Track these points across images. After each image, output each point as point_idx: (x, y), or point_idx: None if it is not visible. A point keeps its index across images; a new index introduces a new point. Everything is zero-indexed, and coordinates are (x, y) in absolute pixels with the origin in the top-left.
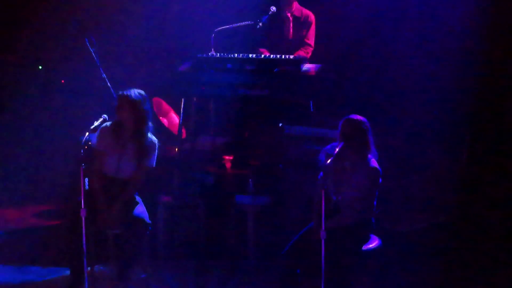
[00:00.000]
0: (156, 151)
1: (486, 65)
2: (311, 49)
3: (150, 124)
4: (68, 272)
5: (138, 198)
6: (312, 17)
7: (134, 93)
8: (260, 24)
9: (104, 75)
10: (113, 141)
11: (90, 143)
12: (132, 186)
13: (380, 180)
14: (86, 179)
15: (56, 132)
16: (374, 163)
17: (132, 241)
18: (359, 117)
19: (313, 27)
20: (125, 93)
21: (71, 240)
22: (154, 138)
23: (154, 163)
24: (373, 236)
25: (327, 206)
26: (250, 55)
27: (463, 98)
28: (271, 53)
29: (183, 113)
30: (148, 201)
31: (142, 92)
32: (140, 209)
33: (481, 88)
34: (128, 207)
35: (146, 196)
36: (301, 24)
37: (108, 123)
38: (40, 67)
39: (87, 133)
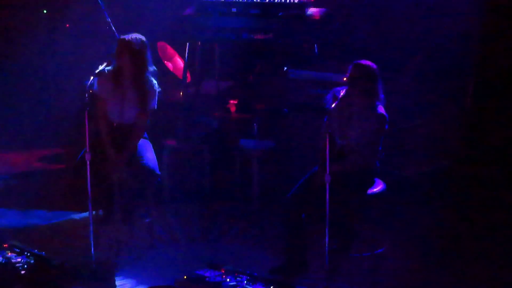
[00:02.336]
0: (157, 94)
1: (492, 10)
2: None
3: (151, 68)
4: (73, 216)
5: (149, 145)
6: None
7: (135, 38)
8: None
9: (108, 19)
10: (114, 88)
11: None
12: (137, 132)
13: (387, 126)
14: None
15: (61, 76)
16: (381, 109)
17: (138, 189)
18: (368, 62)
19: None
20: (125, 38)
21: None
22: (154, 82)
23: (156, 106)
24: (378, 180)
25: (332, 150)
26: None
27: (468, 42)
28: None
29: (187, 57)
30: (153, 145)
31: (143, 37)
32: (151, 159)
33: (486, 32)
34: (137, 154)
35: (151, 140)
36: None
37: (106, 69)
38: (45, 11)
39: (92, 77)
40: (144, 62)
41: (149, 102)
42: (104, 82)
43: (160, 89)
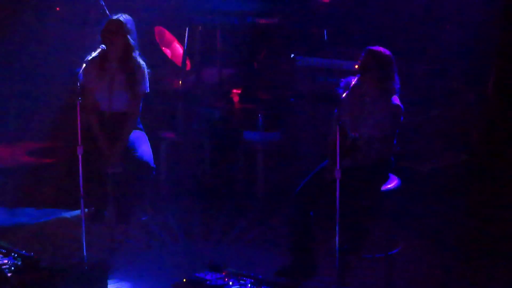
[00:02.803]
0: (146, 74)
1: None
2: None
3: (137, 49)
4: (63, 214)
5: (144, 137)
6: None
7: (126, 19)
8: None
9: (102, 2)
10: (100, 75)
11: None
12: (130, 119)
13: (402, 118)
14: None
15: (51, 63)
16: (396, 99)
17: (133, 184)
18: (381, 48)
19: None
20: (118, 18)
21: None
22: (142, 62)
23: (148, 88)
24: (392, 176)
25: (343, 143)
26: None
27: (490, 29)
28: None
29: (187, 43)
30: (149, 138)
31: (130, 17)
32: (145, 151)
33: (509, 19)
34: (131, 147)
35: (147, 133)
36: None
37: (89, 57)
38: None
39: (84, 65)
40: (133, 42)
41: (139, 83)
42: (89, 70)
43: (149, 70)
